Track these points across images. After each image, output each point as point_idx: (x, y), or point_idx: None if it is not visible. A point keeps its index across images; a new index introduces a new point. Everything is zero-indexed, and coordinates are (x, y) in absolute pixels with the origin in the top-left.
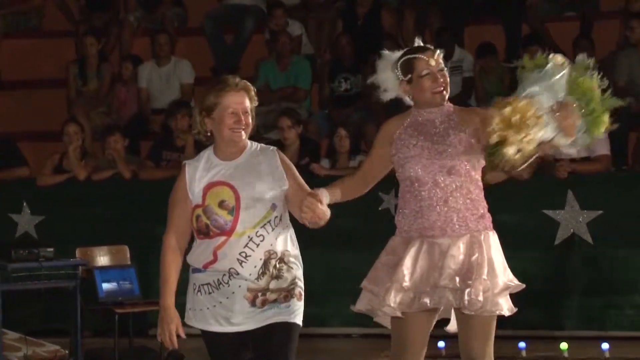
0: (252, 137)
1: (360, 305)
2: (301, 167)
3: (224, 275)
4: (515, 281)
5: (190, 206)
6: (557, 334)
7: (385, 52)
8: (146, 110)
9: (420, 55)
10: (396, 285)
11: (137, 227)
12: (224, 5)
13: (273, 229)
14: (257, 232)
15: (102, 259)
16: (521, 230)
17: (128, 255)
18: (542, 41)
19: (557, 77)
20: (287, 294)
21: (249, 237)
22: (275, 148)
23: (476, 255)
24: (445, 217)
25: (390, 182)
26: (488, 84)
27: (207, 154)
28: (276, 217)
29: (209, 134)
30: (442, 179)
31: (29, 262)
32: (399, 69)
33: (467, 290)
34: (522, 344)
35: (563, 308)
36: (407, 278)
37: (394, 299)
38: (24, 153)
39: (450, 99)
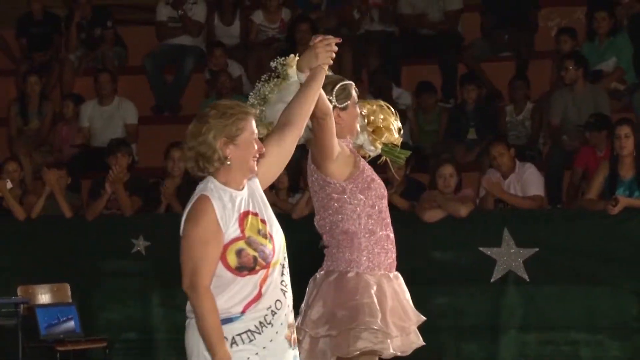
0: (194, 177)
1: (364, 344)
2: None
3: (266, 314)
4: None
5: (222, 243)
6: None
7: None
8: (87, 149)
9: (351, 82)
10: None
11: (78, 264)
12: (164, 45)
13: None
14: (285, 257)
15: (44, 297)
16: (457, 268)
17: (69, 292)
18: (478, 80)
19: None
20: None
21: (282, 264)
22: None
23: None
24: (394, 254)
25: None
26: (425, 122)
27: (213, 185)
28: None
29: (228, 162)
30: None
31: None
32: (334, 95)
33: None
34: None
35: (499, 344)
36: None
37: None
38: None
39: None
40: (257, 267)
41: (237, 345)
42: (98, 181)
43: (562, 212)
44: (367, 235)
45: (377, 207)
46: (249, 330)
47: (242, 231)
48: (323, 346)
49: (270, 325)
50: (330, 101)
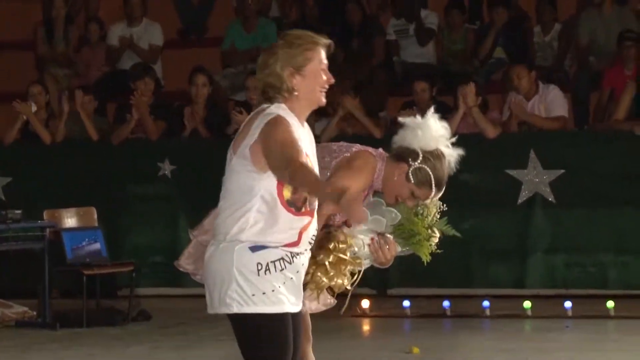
0: (218, 99)
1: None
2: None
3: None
4: None
5: None
6: (521, 293)
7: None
8: (114, 72)
9: (434, 192)
10: None
11: (105, 188)
12: None
13: None
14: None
15: (70, 221)
16: (484, 190)
17: (95, 216)
18: (506, 2)
19: (389, 219)
20: None
21: (315, 218)
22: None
23: None
24: None
25: None
26: (451, 42)
27: (283, 111)
28: None
29: (296, 93)
30: None
31: None
32: (415, 154)
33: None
34: (486, 303)
35: (526, 267)
36: None
37: None
38: None
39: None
40: (303, 210)
41: (269, 272)
42: (124, 105)
43: (588, 133)
44: None
45: None
46: (282, 259)
47: None
48: None
49: (298, 257)
50: (409, 155)
